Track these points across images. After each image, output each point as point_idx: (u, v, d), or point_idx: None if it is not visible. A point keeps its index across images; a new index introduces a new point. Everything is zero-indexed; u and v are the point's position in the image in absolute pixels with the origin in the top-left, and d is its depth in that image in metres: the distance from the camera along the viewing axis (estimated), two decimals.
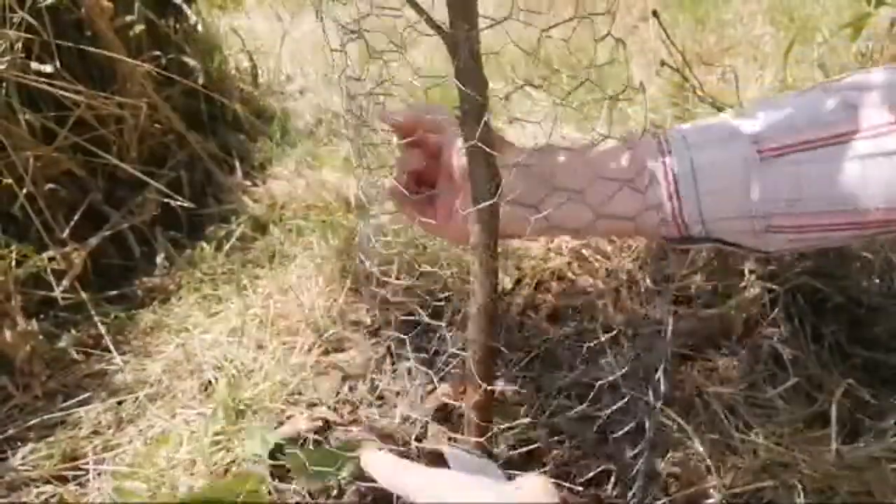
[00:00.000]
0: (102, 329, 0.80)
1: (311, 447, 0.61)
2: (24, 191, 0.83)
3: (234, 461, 0.62)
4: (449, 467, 0.42)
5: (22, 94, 0.86)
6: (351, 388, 0.69)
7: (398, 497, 0.40)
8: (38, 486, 0.63)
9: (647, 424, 0.61)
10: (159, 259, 0.93)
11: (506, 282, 0.79)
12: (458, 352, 0.72)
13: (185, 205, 0.98)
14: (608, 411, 0.63)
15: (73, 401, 0.72)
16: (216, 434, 0.64)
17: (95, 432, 0.69)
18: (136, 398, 0.72)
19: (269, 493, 0.58)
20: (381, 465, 0.41)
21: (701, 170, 0.44)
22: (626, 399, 0.64)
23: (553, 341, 0.72)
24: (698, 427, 0.62)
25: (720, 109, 0.89)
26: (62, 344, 0.79)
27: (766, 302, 0.71)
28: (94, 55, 0.94)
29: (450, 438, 0.55)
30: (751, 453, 0.59)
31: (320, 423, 0.64)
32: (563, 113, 1.05)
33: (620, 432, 0.61)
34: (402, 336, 0.70)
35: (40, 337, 0.78)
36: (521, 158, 0.45)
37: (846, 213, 0.43)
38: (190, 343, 0.77)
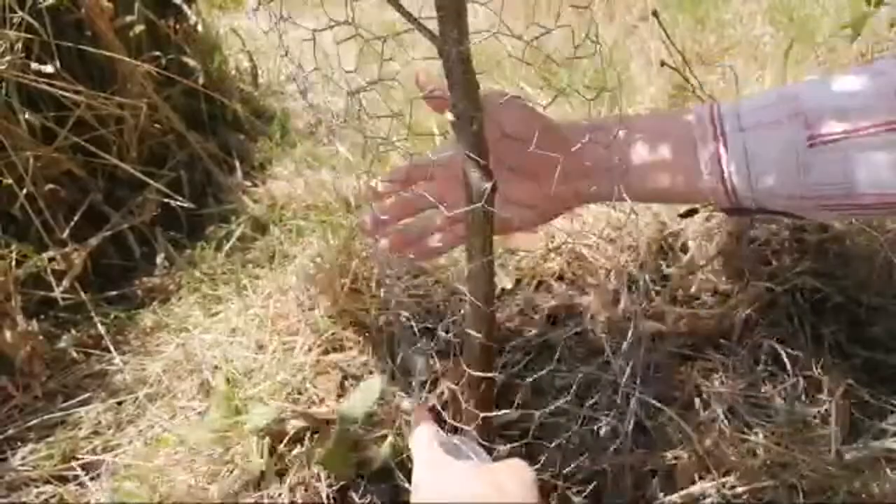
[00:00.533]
0: (102, 329, 0.80)
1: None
2: (24, 191, 0.83)
3: (232, 459, 0.62)
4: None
5: (22, 94, 0.86)
6: (351, 388, 0.69)
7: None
8: (38, 486, 0.63)
9: (629, 421, 0.61)
10: (159, 259, 0.93)
11: (505, 282, 0.79)
12: (457, 352, 0.72)
13: (185, 205, 0.98)
14: (607, 412, 0.63)
15: (73, 401, 0.72)
16: (215, 432, 0.64)
17: (95, 432, 0.69)
18: (136, 398, 0.72)
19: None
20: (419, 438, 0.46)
21: (754, 153, 0.47)
22: (627, 400, 0.64)
23: (553, 341, 0.72)
24: (697, 427, 0.62)
25: None
26: (62, 344, 0.79)
27: (765, 302, 0.71)
28: (94, 55, 0.94)
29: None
30: (750, 453, 0.59)
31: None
32: (563, 113, 1.05)
33: (619, 432, 0.61)
34: (401, 336, 0.70)
35: (40, 337, 0.78)
36: (586, 137, 0.47)
37: (893, 195, 0.45)
38: (190, 343, 0.77)
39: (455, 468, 0.42)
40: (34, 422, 0.70)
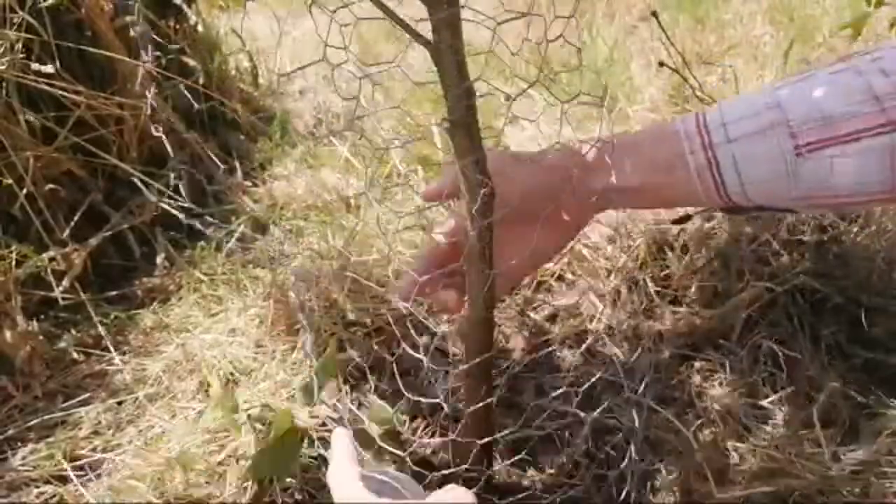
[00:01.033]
0: (102, 329, 0.80)
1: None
2: (24, 191, 0.83)
3: (231, 456, 0.62)
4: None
5: (22, 94, 0.87)
6: (351, 388, 0.69)
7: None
8: (38, 486, 0.63)
9: (637, 424, 0.61)
10: (159, 259, 0.93)
11: None
12: (457, 352, 0.72)
13: (185, 205, 0.98)
14: (607, 412, 0.64)
15: (73, 401, 0.72)
16: (214, 432, 0.64)
17: (95, 432, 0.69)
18: (136, 398, 0.72)
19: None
20: (335, 449, 0.45)
21: (744, 164, 0.48)
22: (627, 400, 0.64)
23: (553, 341, 0.72)
24: (696, 428, 0.62)
25: None
26: (62, 344, 0.79)
27: (765, 302, 0.71)
28: (94, 55, 0.94)
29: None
30: (749, 454, 0.59)
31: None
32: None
33: (618, 433, 0.61)
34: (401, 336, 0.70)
35: (40, 337, 0.78)
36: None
37: (882, 194, 0.47)
38: (190, 343, 0.77)
39: None
40: (34, 422, 0.70)
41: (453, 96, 0.36)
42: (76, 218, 0.91)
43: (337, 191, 0.99)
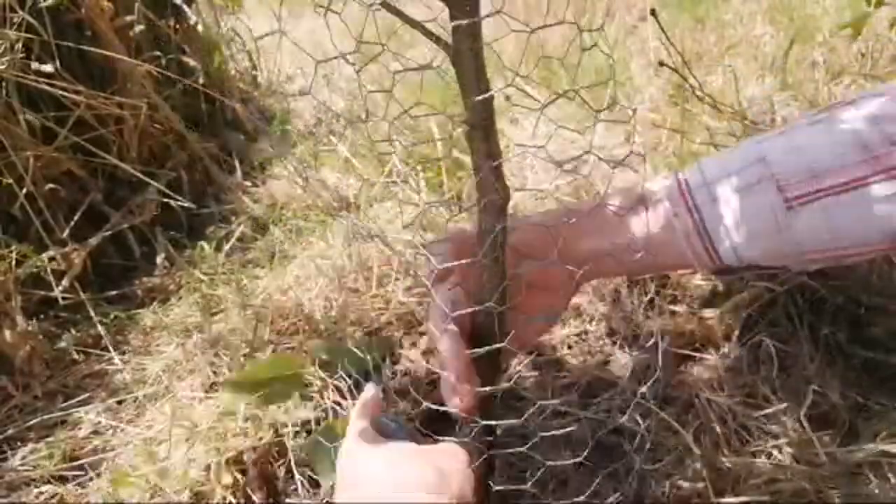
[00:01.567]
0: (102, 329, 0.80)
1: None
2: (24, 191, 0.83)
3: (231, 456, 0.62)
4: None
5: (22, 94, 0.87)
6: (351, 388, 0.69)
7: None
8: (38, 486, 0.63)
9: (642, 425, 0.61)
10: (159, 259, 0.93)
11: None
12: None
13: (185, 205, 0.98)
14: (607, 412, 0.63)
15: (73, 401, 0.72)
16: (212, 431, 0.64)
17: (95, 432, 0.69)
18: (136, 398, 0.72)
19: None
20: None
21: (731, 222, 0.47)
22: (626, 400, 0.64)
23: (553, 341, 0.72)
24: (696, 428, 0.62)
25: (720, 110, 0.89)
26: (62, 344, 0.79)
27: (765, 302, 0.71)
28: (94, 55, 0.94)
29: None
30: (748, 455, 0.59)
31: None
32: (564, 113, 1.05)
33: (614, 433, 0.61)
34: (402, 335, 0.70)
35: (40, 337, 0.78)
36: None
37: (876, 243, 0.46)
38: (190, 343, 0.77)
39: (389, 447, 0.42)
40: (34, 422, 0.70)
41: (472, 100, 0.36)
42: (76, 218, 0.91)
43: (337, 191, 0.99)
